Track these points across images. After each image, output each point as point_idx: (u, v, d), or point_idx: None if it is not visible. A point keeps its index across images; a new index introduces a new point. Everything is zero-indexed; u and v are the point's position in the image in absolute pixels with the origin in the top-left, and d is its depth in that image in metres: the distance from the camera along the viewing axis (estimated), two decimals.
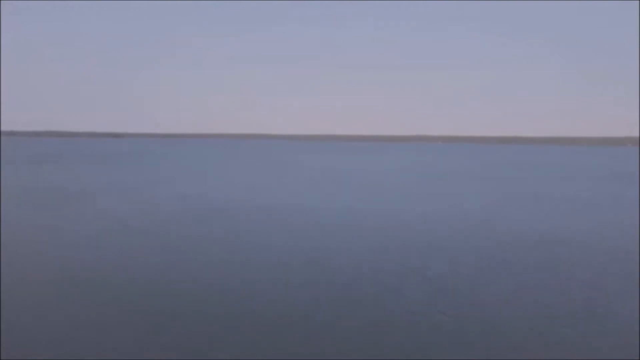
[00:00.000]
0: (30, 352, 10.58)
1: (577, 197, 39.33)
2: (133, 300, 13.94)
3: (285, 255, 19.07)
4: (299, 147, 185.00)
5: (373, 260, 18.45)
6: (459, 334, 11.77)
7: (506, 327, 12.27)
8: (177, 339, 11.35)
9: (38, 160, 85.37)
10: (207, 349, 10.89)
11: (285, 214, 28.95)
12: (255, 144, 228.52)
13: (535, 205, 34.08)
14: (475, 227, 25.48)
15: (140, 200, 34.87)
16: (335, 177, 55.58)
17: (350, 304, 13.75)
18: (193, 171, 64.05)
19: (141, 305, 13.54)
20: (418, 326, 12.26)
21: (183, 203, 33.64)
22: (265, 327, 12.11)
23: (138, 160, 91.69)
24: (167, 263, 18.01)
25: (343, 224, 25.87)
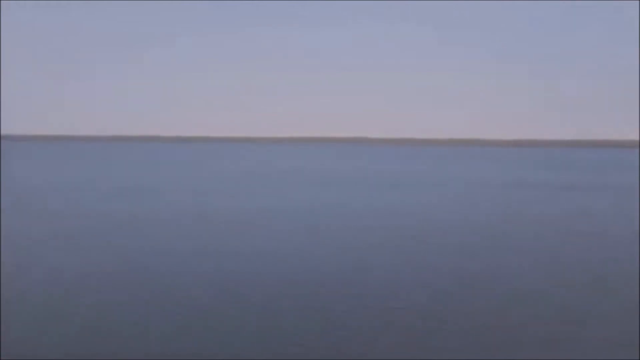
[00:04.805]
0: (30, 352, 10.57)
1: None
2: (133, 301, 13.94)
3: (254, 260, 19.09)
4: (287, 150, 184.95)
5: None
6: (456, 332, 11.77)
7: (505, 326, 12.26)
8: (176, 339, 11.35)
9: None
10: (198, 351, 10.88)
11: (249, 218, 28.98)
12: (248, 147, 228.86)
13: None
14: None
15: (134, 203, 34.85)
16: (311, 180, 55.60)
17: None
18: (187, 176, 64.12)
19: (141, 306, 13.54)
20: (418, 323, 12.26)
21: (179, 206, 33.60)
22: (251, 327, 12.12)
23: (128, 163, 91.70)
24: (166, 265, 18.02)
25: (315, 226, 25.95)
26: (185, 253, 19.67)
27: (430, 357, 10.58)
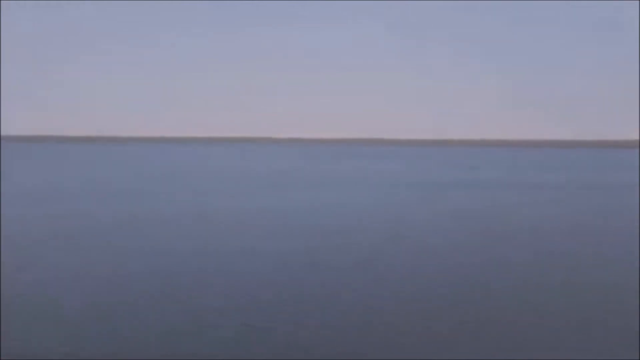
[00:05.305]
0: (30, 352, 10.57)
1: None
2: (133, 301, 13.94)
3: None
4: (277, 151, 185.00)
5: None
6: (455, 329, 11.77)
7: (504, 326, 12.26)
8: (176, 339, 11.36)
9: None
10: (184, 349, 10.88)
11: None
12: (248, 147, 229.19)
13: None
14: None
15: (134, 204, 34.87)
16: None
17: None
18: (181, 177, 64.16)
19: (141, 306, 13.54)
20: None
21: (173, 208, 33.62)
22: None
23: (128, 164, 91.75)
24: (166, 265, 18.03)
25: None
26: (184, 253, 19.68)
27: (428, 356, 10.59)
